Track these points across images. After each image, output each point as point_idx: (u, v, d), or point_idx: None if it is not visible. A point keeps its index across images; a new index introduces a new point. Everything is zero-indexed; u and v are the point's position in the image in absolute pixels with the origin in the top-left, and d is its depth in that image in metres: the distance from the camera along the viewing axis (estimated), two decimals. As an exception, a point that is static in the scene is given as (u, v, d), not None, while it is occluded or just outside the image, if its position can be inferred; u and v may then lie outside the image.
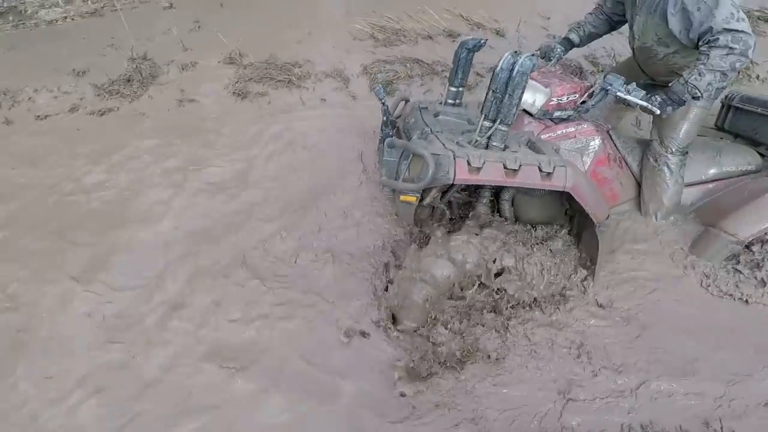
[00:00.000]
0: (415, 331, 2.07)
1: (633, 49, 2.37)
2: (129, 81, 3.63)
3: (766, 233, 2.09)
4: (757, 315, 2.09)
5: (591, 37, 2.54)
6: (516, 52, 1.81)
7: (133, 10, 4.75)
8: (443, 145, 1.88)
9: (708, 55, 1.86)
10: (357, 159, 2.95)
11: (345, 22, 4.28)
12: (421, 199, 2.11)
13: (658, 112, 2.01)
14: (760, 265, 2.12)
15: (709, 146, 2.40)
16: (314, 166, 2.94)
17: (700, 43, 1.92)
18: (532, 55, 1.77)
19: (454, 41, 3.94)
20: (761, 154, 2.40)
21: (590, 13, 2.53)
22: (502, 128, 1.87)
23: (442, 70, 3.57)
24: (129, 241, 2.49)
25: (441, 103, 2.42)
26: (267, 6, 4.60)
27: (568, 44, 2.51)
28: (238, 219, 2.61)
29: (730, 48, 1.81)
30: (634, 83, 2.00)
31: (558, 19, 4.08)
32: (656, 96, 2.02)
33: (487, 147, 1.92)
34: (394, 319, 2.10)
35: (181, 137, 3.16)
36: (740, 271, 2.15)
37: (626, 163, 2.37)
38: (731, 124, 2.57)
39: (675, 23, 1.96)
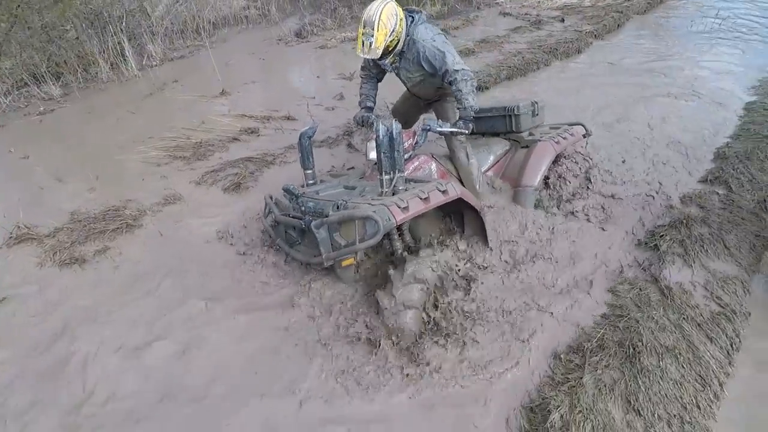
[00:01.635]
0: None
1: (408, 87, 3.13)
2: None
3: (545, 178, 3.20)
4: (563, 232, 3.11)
5: (375, 97, 3.21)
6: (379, 121, 2.32)
7: None
8: (369, 204, 2.25)
9: (458, 87, 2.73)
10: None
11: (125, 155, 4.11)
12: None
13: (467, 131, 2.82)
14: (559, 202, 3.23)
15: (481, 145, 3.37)
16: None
17: (445, 79, 2.77)
18: (379, 121, 2.32)
19: (258, 136, 4.34)
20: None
21: (364, 83, 3.16)
22: (400, 175, 2.37)
23: (273, 159, 3.93)
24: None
25: (303, 186, 2.77)
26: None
27: (371, 110, 3.13)
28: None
29: (464, 79, 2.73)
30: (440, 120, 2.82)
31: (322, 96, 5.01)
32: (458, 123, 2.81)
33: (393, 194, 2.37)
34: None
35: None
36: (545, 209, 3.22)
37: (449, 172, 3.15)
38: (477, 128, 3.50)
39: (428, 67, 2.79)
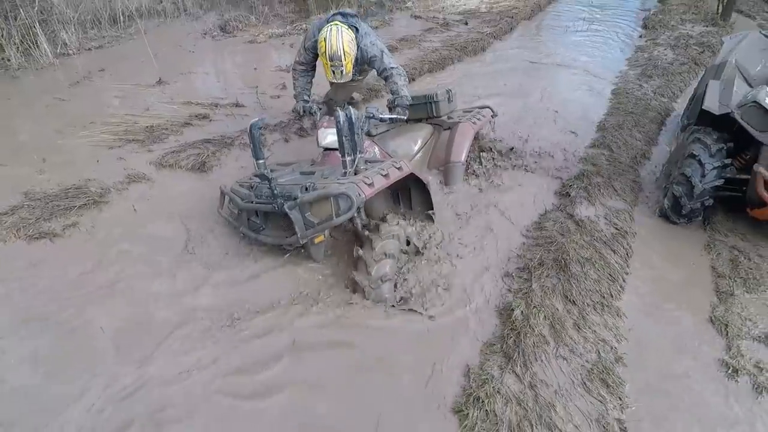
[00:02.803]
0: None
1: (332, 83, 3.42)
2: None
3: (468, 153, 3.84)
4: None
5: (310, 91, 3.50)
6: (342, 110, 2.54)
7: None
8: (338, 183, 2.44)
9: (395, 80, 3.21)
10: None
11: (67, 140, 4.03)
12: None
13: (405, 118, 3.25)
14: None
15: (407, 131, 3.67)
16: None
17: (382, 75, 3.23)
18: (341, 109, 2.50)
19: (210, 121, 4.48)
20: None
21: (300, 78, 3.33)
22: (360, 156, 2.67)
23: (231, 141, 4.12)
24: None
25: (254, 176, 2.82)
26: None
27: (307, 102, 3.39)
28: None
29: (399, 74, 3.23)
30: (379, 107, 3.10)
31: (264, 86, 5.24)
32: (396, 110, 3.24)
33: (356, 173, 2.58)
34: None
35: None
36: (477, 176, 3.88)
37: (388, 154, 3.49)
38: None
39: (368, 66, 3.27)
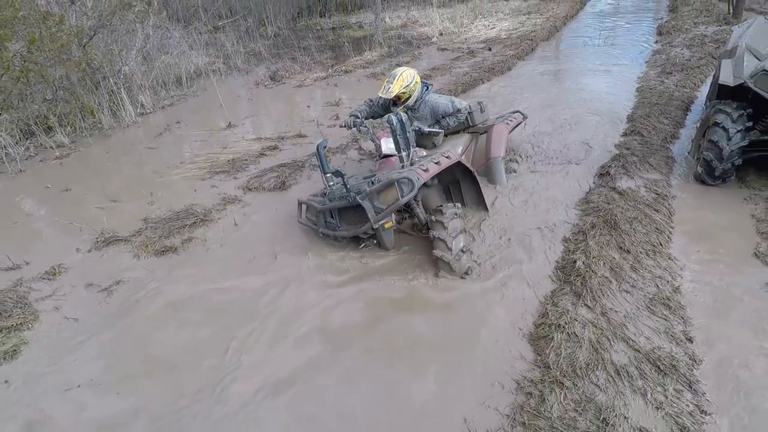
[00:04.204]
0: None
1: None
2: None
3: (506, 149, 4.33)
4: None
5: (365, 116, 3.92)
6: (395, 114, 3.18)
7: None
8: (398, 173, 3.01)
9: (453, 118, 3.67)
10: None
11: (166, 177, 4.77)
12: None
13: (443, 132, 3.78)
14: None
15: (451, 140, 4.07)
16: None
17: (451, 114, 3.72)
18: (393, 114, 3.19)
19: (281, 151, 5.17)
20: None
21: (363, 105, 3.90)
22: (414, 150, 3.25)
23: (302, 165, 4.75)
24: None
25: (325, 188, 3.34)
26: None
27: (358, 118, 3.80)
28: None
29: (458, 117, 3.68)
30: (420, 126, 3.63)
31: (320, 119, 5.96)
32: (435, 126, 3.69)
33: (411, 164, 3.18)
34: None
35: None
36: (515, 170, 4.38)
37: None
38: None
39: (438, 115, 3.68)
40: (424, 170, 2.93)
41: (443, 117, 3.66)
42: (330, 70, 8.12)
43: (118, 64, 6.62)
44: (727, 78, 3.54)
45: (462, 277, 2.96)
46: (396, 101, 3.57)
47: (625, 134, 4.69)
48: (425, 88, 3.65)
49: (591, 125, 5.02)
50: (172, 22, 9.50)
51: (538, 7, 12.19)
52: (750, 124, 3.42)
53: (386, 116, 3.09)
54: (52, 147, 5.77)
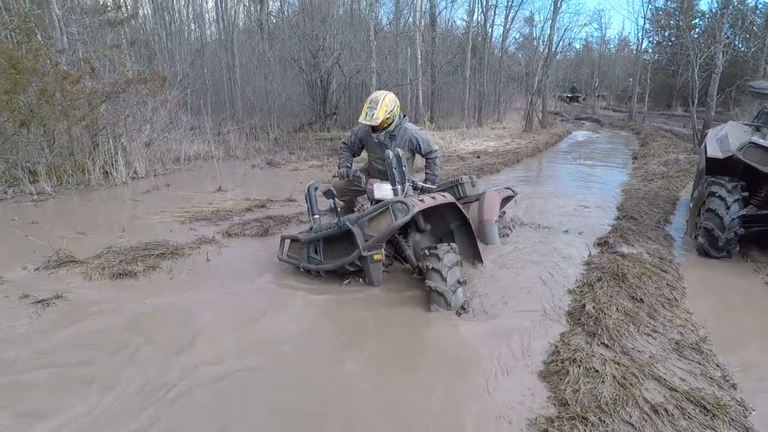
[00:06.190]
0: None
1: (373, 161, 3.89)
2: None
3: (499, 213, 4.29)
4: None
5: (351, 162, 3.92)
6: (392, 150, 3.16)
7: None
8: (393, 199, 2.97)
9: (435, 162, 3.66)
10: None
11: (144, 220, 4.55)
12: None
13: (435, 188, 3.69)
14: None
15: None
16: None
17: (427, 156, 3.67)
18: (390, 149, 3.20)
19: (268, 209, 5.00)
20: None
21: (343, 153, 3.77)
22: (408, 185, 3.17)
23: (289, 219, 4.55)
24: None
25: (311, 228, 3.29)
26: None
27: (349, 168, 3.82)
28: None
29: (438, 157, 3.69)
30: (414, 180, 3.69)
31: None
32: (427, 182, 3.63)
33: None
34: None
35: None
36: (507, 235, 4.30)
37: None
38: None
39: (415, 147, 3.65)
40: (420, 200, 2.80)
41: (424, 155, 3.57)
42: (326, 159, 8.38)
43: (122, 128, 6.75)
44: (714, 152, 3.65)
45: (457, 313, 2.59)
46: (376, 128, 3.46)
47: (617, 219, 4.67)
48: (402, 115, 3.60)
49: (582, 212, 5.03)
50: (182, 107, 10.00)
51: (520, 135, 13.34)
52: (746, 194, 3.41)
53: (386, 152, 3.04)
54: (31, 193, 5.54)
